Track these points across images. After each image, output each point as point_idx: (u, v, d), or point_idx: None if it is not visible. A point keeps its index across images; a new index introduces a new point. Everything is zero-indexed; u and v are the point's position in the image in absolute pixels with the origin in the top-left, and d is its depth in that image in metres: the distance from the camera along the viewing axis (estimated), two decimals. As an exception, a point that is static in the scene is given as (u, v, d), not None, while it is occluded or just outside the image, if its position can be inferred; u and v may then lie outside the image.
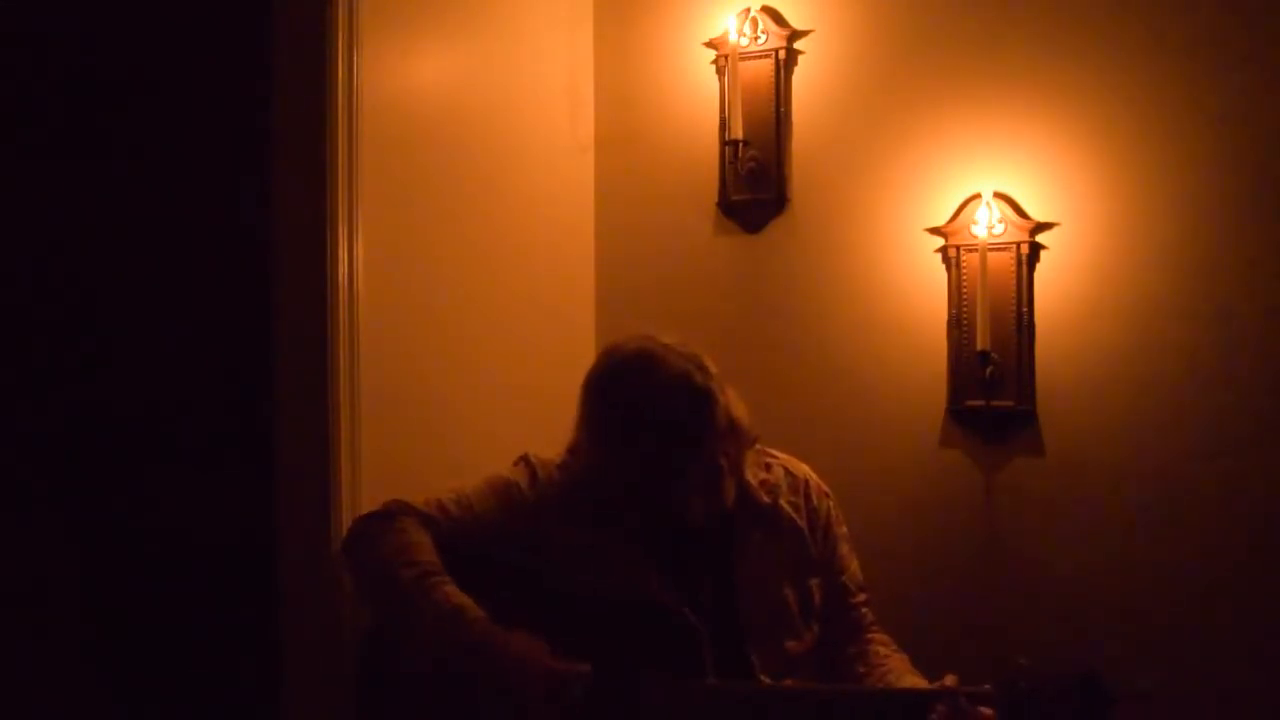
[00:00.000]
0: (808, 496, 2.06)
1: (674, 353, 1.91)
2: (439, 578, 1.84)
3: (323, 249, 2.05)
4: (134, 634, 2.52)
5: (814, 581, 2.01)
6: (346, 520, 2.01)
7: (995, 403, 2.38)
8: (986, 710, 1.75)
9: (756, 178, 2.60)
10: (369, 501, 2.01)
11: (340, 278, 2.06)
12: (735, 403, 1.94)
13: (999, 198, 2.37)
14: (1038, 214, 2.36)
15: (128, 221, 2.54)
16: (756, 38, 2.60)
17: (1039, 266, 2.36)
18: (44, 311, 2.54)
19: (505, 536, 1.95)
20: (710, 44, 2.65)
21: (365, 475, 2.07)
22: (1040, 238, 2.35)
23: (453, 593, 1.83)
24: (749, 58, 2.60)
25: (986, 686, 1.76)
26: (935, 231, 2.43)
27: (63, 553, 2.53)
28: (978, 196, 2.38)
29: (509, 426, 2.35)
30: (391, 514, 1.93)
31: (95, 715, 2.51)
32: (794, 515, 2.02)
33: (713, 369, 1.92)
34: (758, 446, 2.03)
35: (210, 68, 2.48)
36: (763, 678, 1.89)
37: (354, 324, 2.07)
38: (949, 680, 1.79)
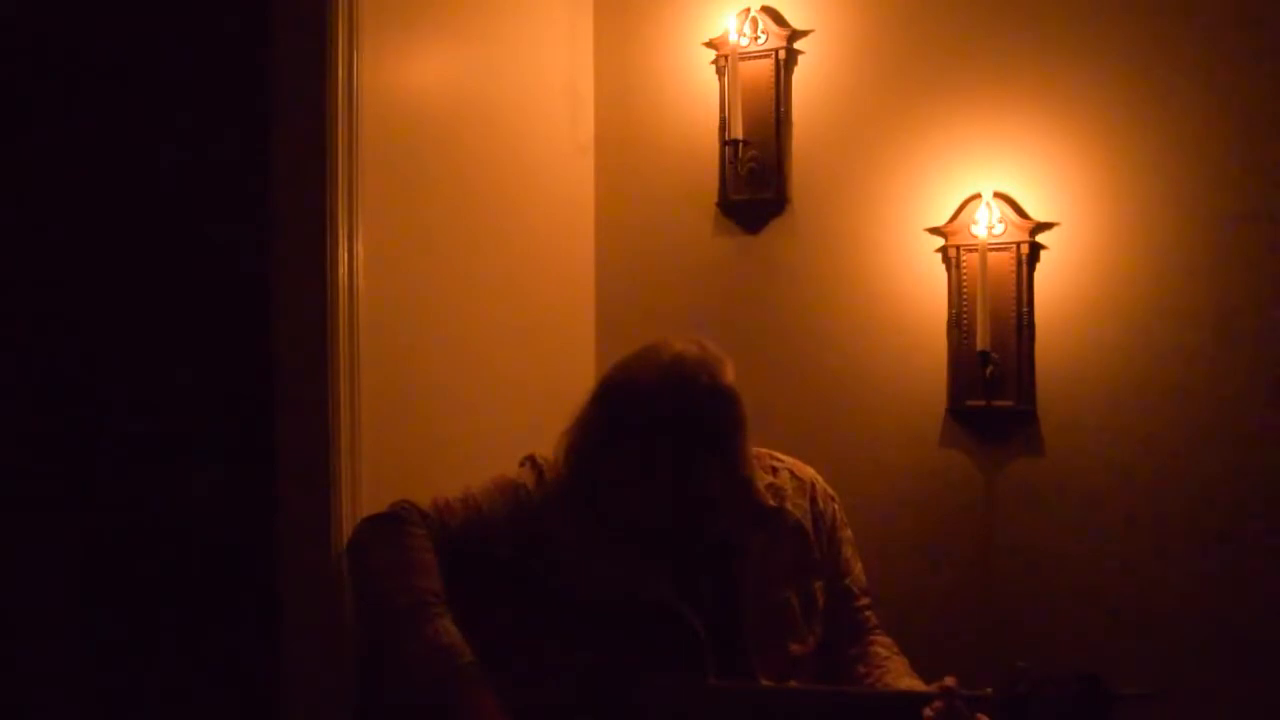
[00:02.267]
0: (813, 500, 2.06)
1: (693, 358, 1.89)
2: (436, 608, 1.80)
3: (323, 249, 2.04)
4: (134, 635, 2.52)
5: (817, 584, 2.01)
6: (346, 520, 2.01)
7: (995, 403, 2.38)
8: (983, 717, 1.76)
9: (756, 178, 2.60)
10: (369, 502, 2.01)
11: (340, 278, 2.05)
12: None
13: (999, 198, 2.37)
14: (1038, 214, 2.36)
15: (127, 221, 2.54)
16: (756, 38, 2.60)
17: (1039, 266, 2.36)
18: (43, 312, 2.54)
19: (510, 536, 1.94)
20: (710, 44, 2.64)
21: (365, 475, 2.06)
22: (1040, 238, 2.35)
23: (446, 628, 1.77)
24: (749, 58, 2.60)
25: (987, 690, 1.76)
26: (935, 231, 2.43)
27: (63, 553, 2.53)
28: (978, 196, 2.38)
29: (508, 426, 2.35)
30: (399, 519, 1.90)
31: (95, 715, 2.51)
32: (798, 518, 2.02)
33: (732, 374, 1.91)
34: (765, 450, 2.04)
35: (210, 68, 2.48)
36: (764, 680, 1.89)
37: (354, 324, 2.07)
38: (949, 682, 1.79)
